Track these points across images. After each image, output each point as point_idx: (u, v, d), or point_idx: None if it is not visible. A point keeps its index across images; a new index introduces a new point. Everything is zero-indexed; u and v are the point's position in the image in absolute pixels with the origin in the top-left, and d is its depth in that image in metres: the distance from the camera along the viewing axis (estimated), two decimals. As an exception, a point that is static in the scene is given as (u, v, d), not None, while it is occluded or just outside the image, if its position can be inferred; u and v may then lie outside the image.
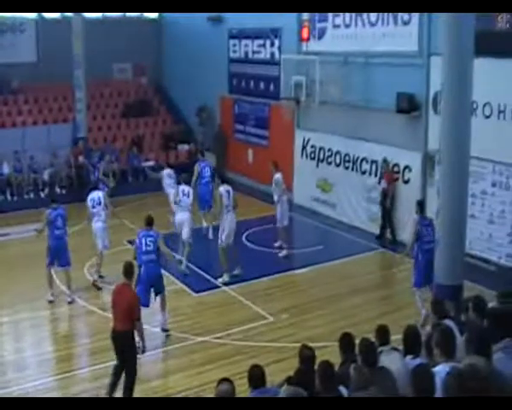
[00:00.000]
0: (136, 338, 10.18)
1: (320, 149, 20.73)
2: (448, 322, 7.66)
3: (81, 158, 23.99)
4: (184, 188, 16.63)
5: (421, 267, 12.49)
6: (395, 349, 7.33)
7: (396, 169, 17.98)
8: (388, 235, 18.01)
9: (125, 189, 23.59)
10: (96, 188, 16.47)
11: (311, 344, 7.67)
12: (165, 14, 30.48)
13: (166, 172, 19.46)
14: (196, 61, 27.23)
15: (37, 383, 11.12)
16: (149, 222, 12.80)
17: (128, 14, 30.23)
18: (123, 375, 10.12)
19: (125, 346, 10.01)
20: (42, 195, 23.03)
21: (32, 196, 23.19)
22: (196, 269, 15.97)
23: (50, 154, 24.09)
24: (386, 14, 18.07)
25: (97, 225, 15.44)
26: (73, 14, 24.55)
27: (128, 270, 10.19)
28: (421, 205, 13.57)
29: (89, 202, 15.53)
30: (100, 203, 15.49)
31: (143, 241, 12.51)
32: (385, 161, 17.97)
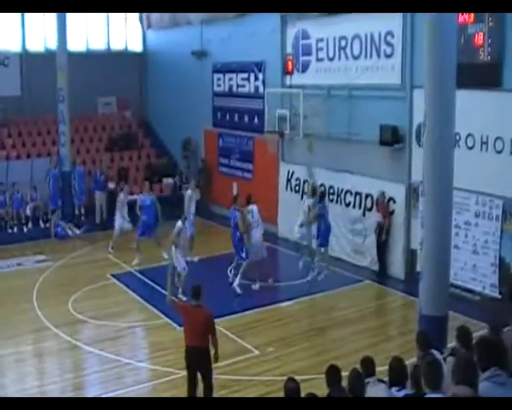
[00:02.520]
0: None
1: (304, 181, 20.75)
2: (433, 352, 7.65)
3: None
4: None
5: None
6: (381, 381, 7.29)
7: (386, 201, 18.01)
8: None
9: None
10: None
11: (296, 377, 7.60)
12: (149, 48, 30.67)
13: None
14: (180, 95, 27.35)
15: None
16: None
17: (112, 47, 30.44)
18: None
19: (204, 360, 10.60)
20: (25, 229, 22.91)
21: (15, 230, 23.02)
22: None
23: (32, 188, 23.97)
24: (369, 47, 18.26)
25: None
26: (57, 48, 24.59)
27: (196, 292, 10.73)
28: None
29: None
30: None
31: None
32: (383, 194, 17.81)
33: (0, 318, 15.30)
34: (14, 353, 13.65)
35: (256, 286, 16.81)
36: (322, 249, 17.47)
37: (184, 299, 14.81)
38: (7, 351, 13.66)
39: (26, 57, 28.35)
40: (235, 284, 16.49)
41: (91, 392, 12.11)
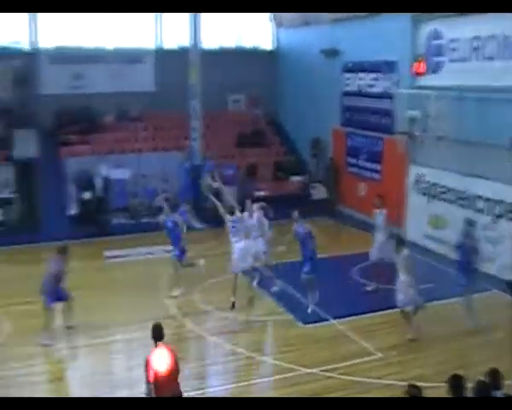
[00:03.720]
0: None
1: (433, 185, 20.36)
2: None
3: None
4: None
5: None
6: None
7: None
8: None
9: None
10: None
11: (418, 384, 7.53)
12: (280, 46, 30.97)
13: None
14: (309, 93, 27.48)
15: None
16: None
17: (244, 45, 30.97)
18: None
19: None
20: (156, 220, 23.72)
21: (146, 220, 23.91)
22: (306, 301, 15.90)
23: (164, 180, 24.83)
24: (505, 48, 17.66)
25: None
26: (190, 46, 25.33)
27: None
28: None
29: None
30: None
31: None
32: None
33: (129, 304, 15.96)
34: (143, 337, 14.15)
35: (371, 287, 16.79)
36: None
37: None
38: (135, 335, 14.20)
39: (160, 54, 29.37)
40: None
41: (212, 382, 12.45)
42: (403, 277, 13.79)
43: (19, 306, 15.96)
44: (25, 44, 28.26)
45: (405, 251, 14.02)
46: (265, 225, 17.01)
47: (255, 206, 17.25)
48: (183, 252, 16.67)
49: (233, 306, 15.16)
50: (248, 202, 17.41)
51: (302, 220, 15.73)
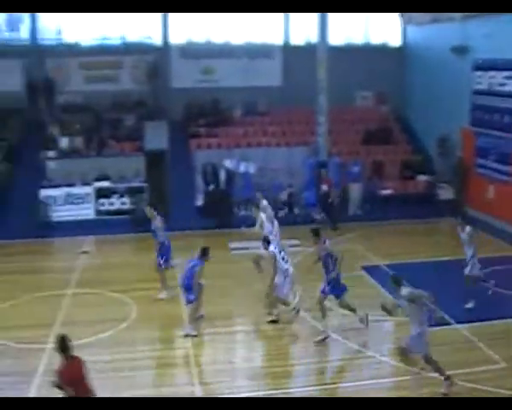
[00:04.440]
0: None
1: None
2: None
3: (324, 186, 24.45)
4: None
5: None
6: None
7: None
8: None
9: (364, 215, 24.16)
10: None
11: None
12: (408, 43, 30.53)
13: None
14: (438, 91, 26.95)
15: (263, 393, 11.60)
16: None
17: (371, 41, 30.73)
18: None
19: None
20: (281, 214, 24.01)
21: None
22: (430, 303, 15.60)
23: (290, 174, 25.05)
24: None
25: None
26: (318, 42, 25.40)
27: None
28: None
29: None
30: None
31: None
32: None
33: (253, 296, 16.16)
34: (264, 330, 14.41)
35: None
36: None
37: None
38: (256, 327, 14.45)
39: (288, 50, 29.64)
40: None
41: (333, 379, 12.50)
42: None
43: (143, 291, 16.63)
44: (157, 40, 29.21)
45: None
46: None
47: None
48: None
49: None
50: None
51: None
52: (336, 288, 14.12)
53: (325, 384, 12.25)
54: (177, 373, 12.80)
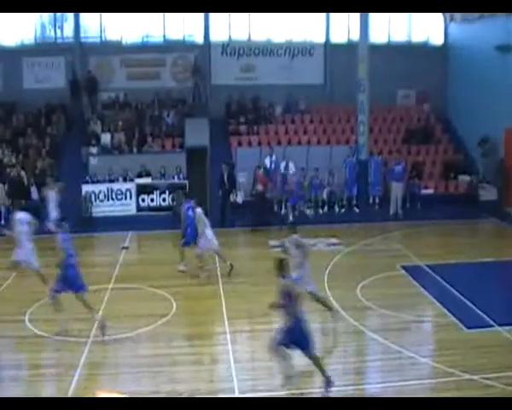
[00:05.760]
0: None
1: None
2: None
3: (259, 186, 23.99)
4: None
5: None
6: None
7: None
8: None
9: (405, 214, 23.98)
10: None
11: None
12: (451, 41, 30.19)
13: None
14: (481, 90, 26.59)
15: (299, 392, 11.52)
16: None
17: (413, 40, 30.46)
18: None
19: None
20: (320, 212, 23.95)
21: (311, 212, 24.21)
22: (471, 305, 15.47)
23: (330, 173, 24.98)
24: None
25: None
26: (359, 40, 25.28)
27: None
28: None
29: None
30: None
31: None
32: None
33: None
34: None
35: None
36: None
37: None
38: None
39: (329, 48, 29.54)
40: None
41: (370, 379, 12.39)
42: None
43: (182, 287, 16.75)
44: (198, 37, 29.34)
45: None
46: None
47: None
48: None
49: None
50: None
51: None
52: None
53: (364, 384, 12.15)
54: (215, 369, 12.81)
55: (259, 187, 23.31)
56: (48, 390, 11.47)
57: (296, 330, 10.90)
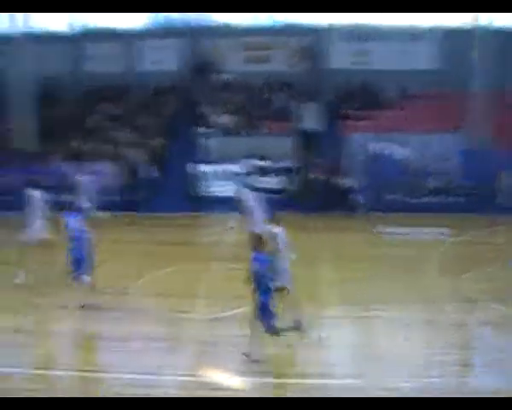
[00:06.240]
0: None
1: None
2: None
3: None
4: None
5: None
6: None
7: None
8: None
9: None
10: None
11: None
12: None
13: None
14: None
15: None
16: None
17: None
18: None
19: None
20: (426, 200, 23.45)
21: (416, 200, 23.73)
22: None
23: (444, 161, 24.36)
24: None
25: None
26: (473, 25, 24.46)
27: None
28: None
29: None
30: None
31: None
32: None
33: (392, 281, 15.85)
34: (400, 318, 13.81)
35: None
36: None
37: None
38: (394, 314, 14.09)
39: (443, 33, 29.17)
40: None
41: (475, 372, 11.94)
42: None
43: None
44: (312, 21, 29.17)
45: None
46: None
47: None
48: None
49: None
50: None
51: None
52: None
53: (468, 377, 11.64)
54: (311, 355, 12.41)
55: None
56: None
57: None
